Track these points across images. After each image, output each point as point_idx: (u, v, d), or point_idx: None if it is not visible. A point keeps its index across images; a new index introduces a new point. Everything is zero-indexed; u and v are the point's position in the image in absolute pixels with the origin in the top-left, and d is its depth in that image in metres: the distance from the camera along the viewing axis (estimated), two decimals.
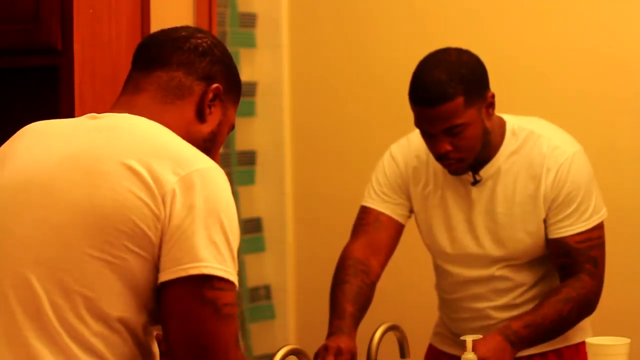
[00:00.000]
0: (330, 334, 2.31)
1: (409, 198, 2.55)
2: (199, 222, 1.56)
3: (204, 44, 1.77)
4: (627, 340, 2.09)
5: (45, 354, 1.55)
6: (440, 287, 2.61)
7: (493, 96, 2.39)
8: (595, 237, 2.42)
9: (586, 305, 2.41)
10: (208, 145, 1.76)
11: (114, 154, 1.59)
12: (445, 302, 2.60)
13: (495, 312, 2.49)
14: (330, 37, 3.70)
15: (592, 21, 3.27)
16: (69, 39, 2.37)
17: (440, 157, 2.38)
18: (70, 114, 2.36)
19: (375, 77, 3.61)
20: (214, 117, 1.77)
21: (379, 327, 2.29)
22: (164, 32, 1.81)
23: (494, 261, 2.47)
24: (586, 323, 2.51)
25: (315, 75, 3.74)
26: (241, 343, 3.60)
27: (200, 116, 1.75)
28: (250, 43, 3.74)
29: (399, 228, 2.55)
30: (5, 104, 2.66)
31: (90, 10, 2.41)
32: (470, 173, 2.44)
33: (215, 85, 1.76)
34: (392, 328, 2.29)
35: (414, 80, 2.37)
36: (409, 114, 2.40)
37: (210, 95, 1.76)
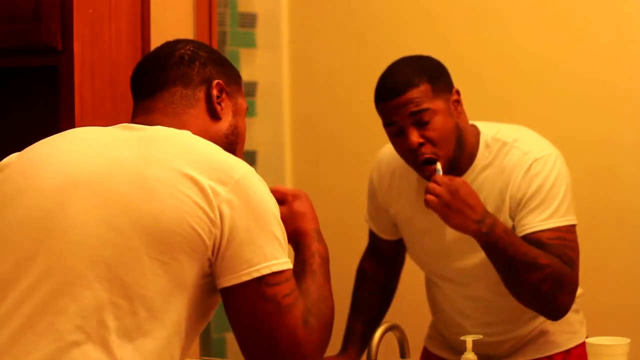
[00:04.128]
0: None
1: (389, 215, 2.58)
2: (262, 224, 1.62)
3: (188, 52, 1.82)
4: (627, 340, 2.08)
5: (88, 348, 1.55)
6: (428, 296, 2.63)
7: (458, 92, 2.39)
8: (569, 239, 2.30)
9: (559, 279, 2.25)
10: (231, 139, 1.82)
11: (167, 161, 1.62)
12: (433, 311, 2.62)
13: (475, 329, 2.44)
14: (330, 37, 3.69)
15: (592, 21, 3.27)
16: (69, 39, 2.37)
17: (412, 154, 2.34)
18: (70, 114, 2.36)
19: (375, 77, 3.56)
20: (226, 111, 1.82)
21: (379, 327, 2.29)
22: (149, 58, 1.87)
23: (474, 276, 2.43)
24: (581, 327, 2.49)
25: (315, 75, 3.74)
26: None
27: (214, 115, 1.80)
28: (250, 43, 3.74)
29: (396, 241, 2.61)
30: (5, 104, 2.66)
31: (90, 10, 2.41)
32: None
33: (215, 81, 1.81)
34: (392, 328, 2.29)
35: (379, 83, 2.42)
36: None
37: (216, 93, 1.80)
